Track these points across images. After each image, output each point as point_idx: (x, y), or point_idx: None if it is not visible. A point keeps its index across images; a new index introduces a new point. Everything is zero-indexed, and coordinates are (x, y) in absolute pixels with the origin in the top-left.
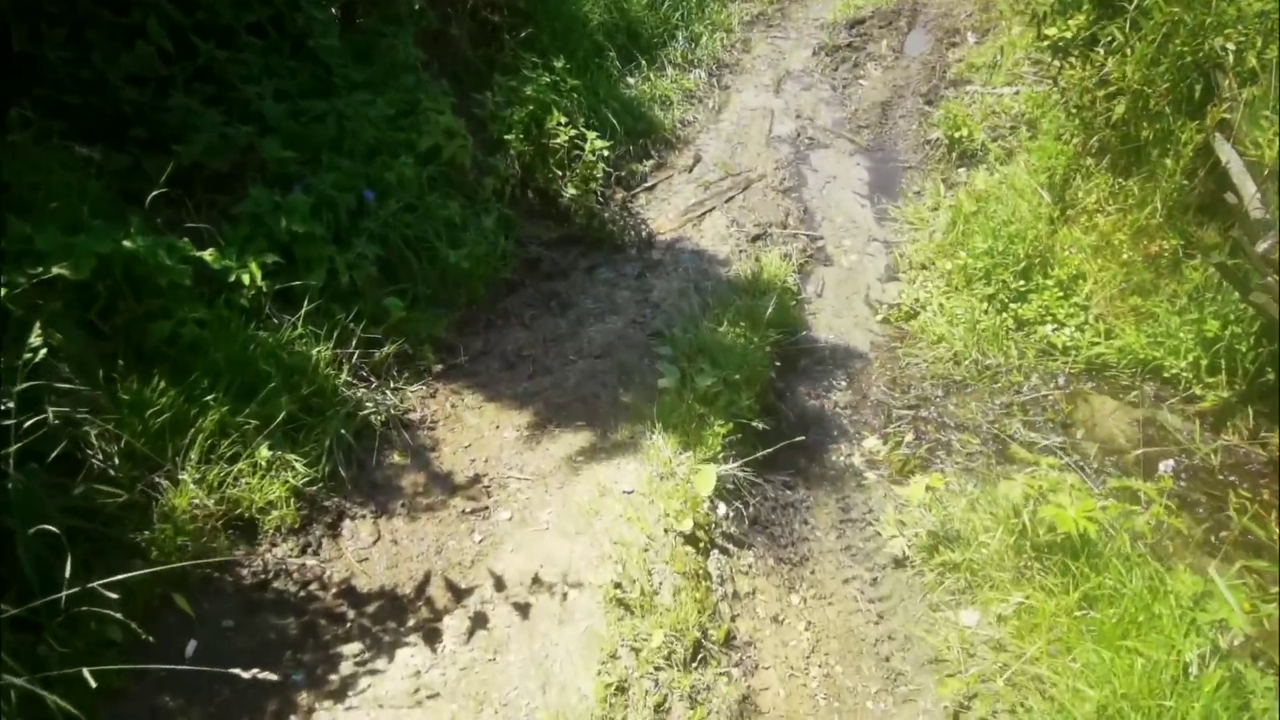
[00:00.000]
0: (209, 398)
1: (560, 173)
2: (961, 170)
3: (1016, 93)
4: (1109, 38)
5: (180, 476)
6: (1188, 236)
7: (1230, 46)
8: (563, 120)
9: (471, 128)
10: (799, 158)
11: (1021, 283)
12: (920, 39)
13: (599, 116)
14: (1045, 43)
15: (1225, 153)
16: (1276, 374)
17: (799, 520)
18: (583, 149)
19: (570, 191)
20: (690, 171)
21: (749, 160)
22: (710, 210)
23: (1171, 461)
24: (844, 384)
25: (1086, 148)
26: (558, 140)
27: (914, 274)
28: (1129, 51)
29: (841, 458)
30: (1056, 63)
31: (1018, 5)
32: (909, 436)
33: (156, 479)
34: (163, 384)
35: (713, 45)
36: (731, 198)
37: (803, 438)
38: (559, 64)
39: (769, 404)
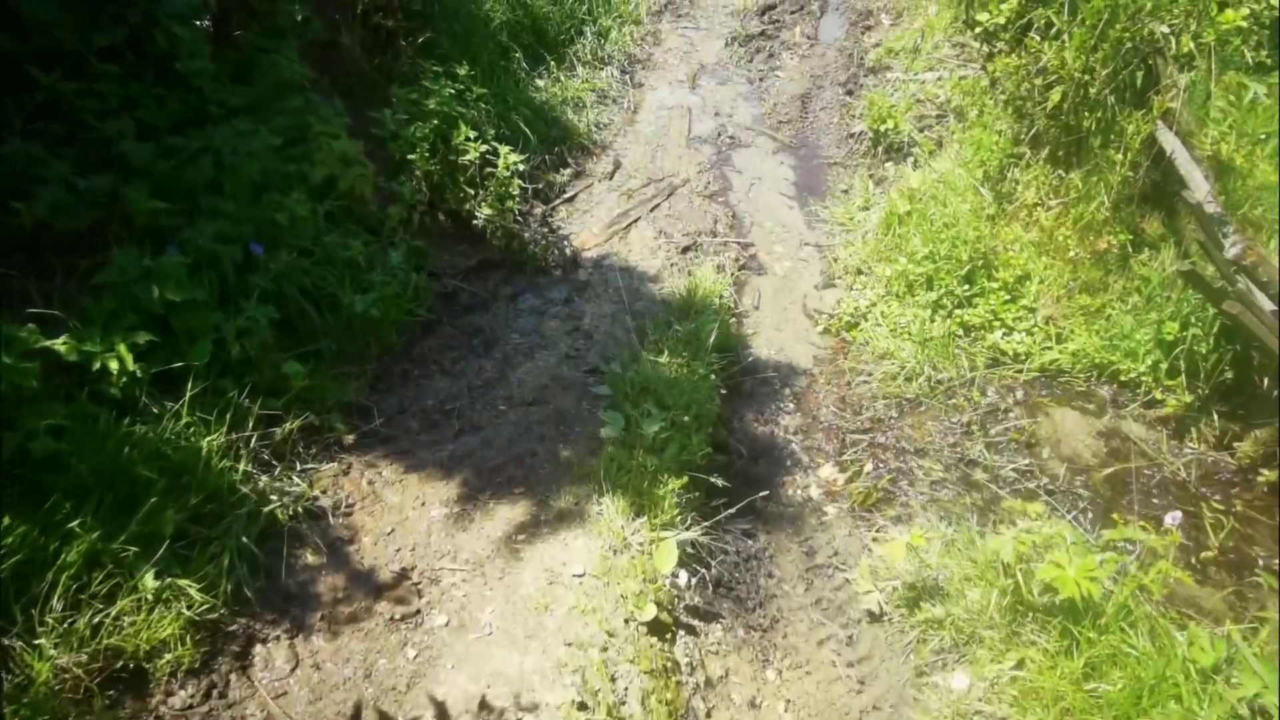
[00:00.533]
0: (74, 524)
1: (473, 191)
2: (889, 165)
3: (940, 79)
4: (1044, 22)
5: (37, 640)
6: (1136, 231)
7: (1165, 30)
8: (471, 134)
9: (370, 150)
10: (721, 159)
11: (966, 287)
12: (834, 24)
13: (509, 125)
14: (978, 29)
15: (1170, 143)
16: (1278, 385)
17: (764, 574)
18: (495, 165)
19: (485, 212)
20: (611, 179)
21: (671, 164)
22: (636, 221)
23: (1179, 513)
24: (792, 406)
25: (1021, 138)
26: (467, 157)
27: (850, 279)
28: (1067, 38)
29: (799, 491)
30: (985, 48)
31: None
32: (868, 466)
33: (5, 643)
34: (7, 519)
35: (623, 40)
36: (657, 206)
37: (765, 493)
38: (463, 71)
39: (719, 439)
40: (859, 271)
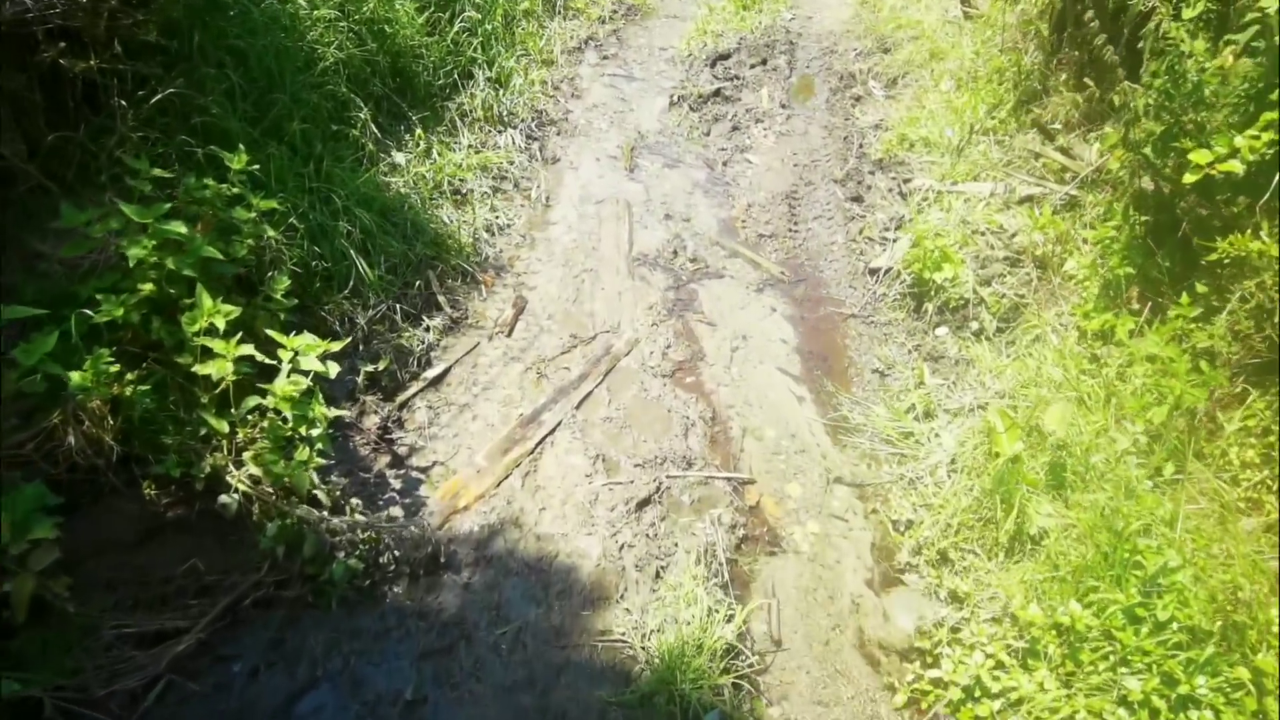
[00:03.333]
0: None
1: (224, 442)
2: (943, 332)
3: (998, 197)
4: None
5: None
6: None
7: None
8: (224, 311)
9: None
10: (683, 298)
11: (1203, 682)
12: (811, 88)
13: (329, 249)
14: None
15: None
16: None
17: None
18: (270, 388)
19: (241, 487)
20: (509, 334)
21: (606, 306)
22: (553, 432)
23: None
24: None
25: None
26: (213, 368)
27: (934, 576)
28: None
29: None
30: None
31: (940, 46)
32: None
33: None
34: None
35: (530, 89)
36: (588, 395)
37: None
38: (236, 161)
39: None
40: (943, 559)
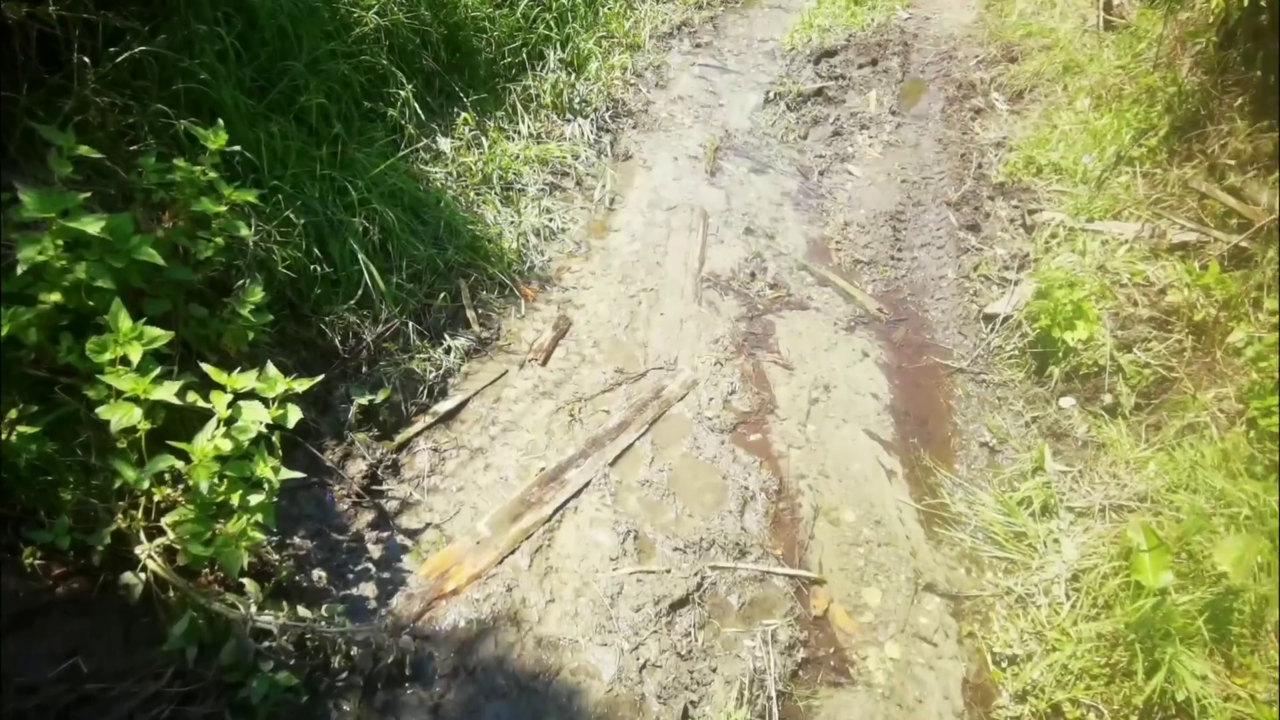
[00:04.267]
0: None
1: (143, 499)
2: (1069, 404)
3: (1144, 240)
4: None
5: None
6: None
7: None
8: (153, 339)
9: None
10: (755, 332)
11: None
12: (925, 96)
13: (341, 252)
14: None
15: None
16: None
17: None
18: (188, 447)
19: (151, 565)
20: (544, 362)
21: (663, 334)
22: (577, 495)
23: None
24: None
25: None
26: (117, 414)
27: None
28: None
29: None
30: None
31: (1076, 59)
32: None
33: None
34: None
35: (608, 75)
36: (627, 449)
37: None
38: (214, 139)
39: None
40: (1055, 713)
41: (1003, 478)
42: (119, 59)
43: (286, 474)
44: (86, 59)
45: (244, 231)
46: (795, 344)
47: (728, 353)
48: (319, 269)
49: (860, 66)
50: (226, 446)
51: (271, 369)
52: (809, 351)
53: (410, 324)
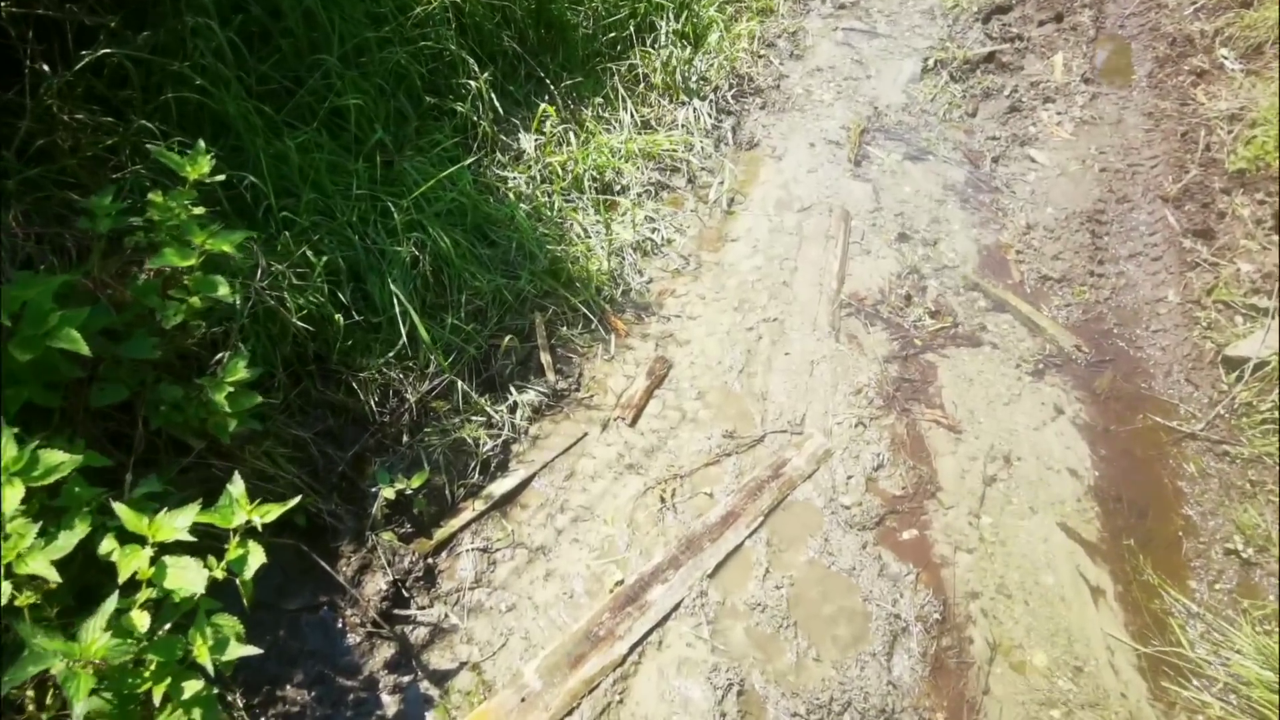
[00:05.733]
0: None
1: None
2: None
3: None
4: None
5: None
6: None
7: None
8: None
9: None
10: (911, 378)
11: None
12: (1126, 55)
13: (382, 292)
14: None
15: None
16: None
17: None
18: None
19: None
20: (633, 422)
21: (787, 382)
22: (662, 624)
23: None
24: None
25: None
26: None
27: None
28: None
29: None
30: None
31: None
32: None
33: None
34: None
35: (731, 46)
36: (733, 553)
37: None
38: (190, 166)
39: None
40: None
41: (1264, 609)
42: (82, 65)
43: (241, 651)
44: (46, 66)
45: (221, 290)
46: (964, 395)
47: (873, 409)
48: (350, 314)
49: (1041, 23)
50: (142, 625)
51: (235, 488)
52: (983, 406)
53: (467, 376)
